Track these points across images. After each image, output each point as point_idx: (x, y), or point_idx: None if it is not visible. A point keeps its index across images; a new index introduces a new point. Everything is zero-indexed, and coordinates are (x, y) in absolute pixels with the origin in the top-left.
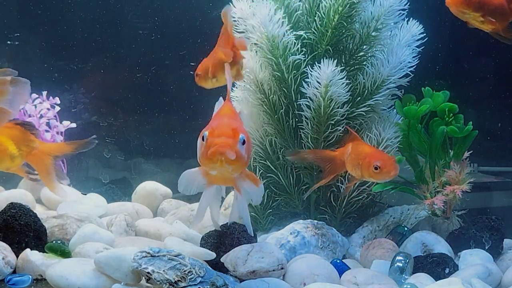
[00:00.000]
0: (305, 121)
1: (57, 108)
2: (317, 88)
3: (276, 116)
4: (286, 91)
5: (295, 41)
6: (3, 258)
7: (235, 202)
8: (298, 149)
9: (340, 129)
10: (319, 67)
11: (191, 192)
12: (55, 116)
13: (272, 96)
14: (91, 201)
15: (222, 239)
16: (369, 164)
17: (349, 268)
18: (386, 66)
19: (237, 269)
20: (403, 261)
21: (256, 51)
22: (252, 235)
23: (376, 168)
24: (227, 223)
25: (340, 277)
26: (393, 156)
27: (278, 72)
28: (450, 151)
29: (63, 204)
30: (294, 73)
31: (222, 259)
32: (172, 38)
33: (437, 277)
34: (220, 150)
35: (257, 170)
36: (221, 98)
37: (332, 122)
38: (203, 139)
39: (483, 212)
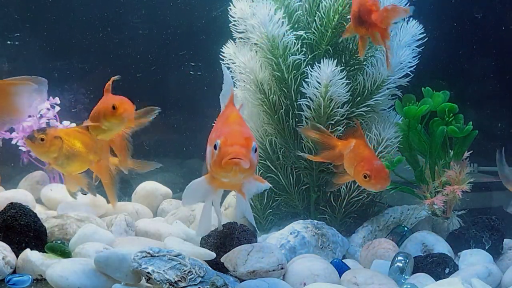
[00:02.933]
0: (305, 121)
1: (57, 108)
2: (317, 88)
3: (276, 116)
4: (286, 91)
5: (295, 41)
6: (3, 258)
7: (238, 204)
8: (307, 126)
9: (340, 129)
10: (319, 67)
11: (195, 202)
12: (55, 116)
13: (272, 96)
14: (91, 201)
15: (222, 239)
16: (361, 169)
17: (349, 268)
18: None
19: (237, 269)
20: (403, 261)
21: (256, 51)
22: (257, 231)
23: (365, 177)
24: (234, 222)
25: (340, 277)
26: (387, 171)
27: (278, 72)
28: (450, 151)
29: (63, 204)
30: (294, 73)
31: (222, 259)
32: (172, 38)
33: (437, 277)
34: (236, 160)
35: (257, 170)
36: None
37: (332, 122)
38: (215, 148)
39: (483, 212)
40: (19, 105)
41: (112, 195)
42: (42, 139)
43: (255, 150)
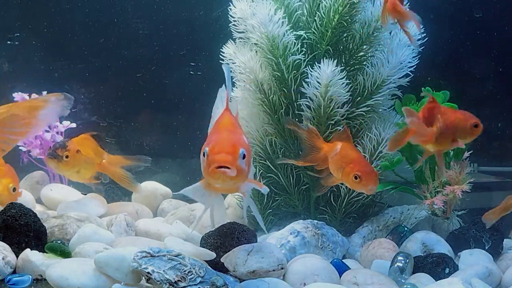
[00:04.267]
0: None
1: None
2: (317, 88)
3: (276, 116)
4: (286, 91)
5: (295, 41)
6: (3, 258)
7: (245, 203)
8: (297, 123)
9: (340, 129)
10: (319, 67)
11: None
12: None
13: (272, 96)
14: (91, 201)
15: (222, 239)
16: (351, 171)
17: (349, 268)
18: (386, 66)
19: (237, 269)
20: (403, 261)
21: (256, 51)
22: (266, 231)
23: (356, 178)
24: (234, 222)
25: (340, 277)
26: (377, 172)
27: (278, 72)
28: (450, 151)
29: (63, 204)
30: (294, 73)
31: (222, 259)
32: (172, 38)
33: (437, 277)
34: (221, 169)
35: (257, 170)
36: (223, 87)
37: (332, 122)
38: (204, 155)
39: (483, 212)
40: (43, 120)
41: (127, 184)
42: (67, 156)
43: (244, 157)
